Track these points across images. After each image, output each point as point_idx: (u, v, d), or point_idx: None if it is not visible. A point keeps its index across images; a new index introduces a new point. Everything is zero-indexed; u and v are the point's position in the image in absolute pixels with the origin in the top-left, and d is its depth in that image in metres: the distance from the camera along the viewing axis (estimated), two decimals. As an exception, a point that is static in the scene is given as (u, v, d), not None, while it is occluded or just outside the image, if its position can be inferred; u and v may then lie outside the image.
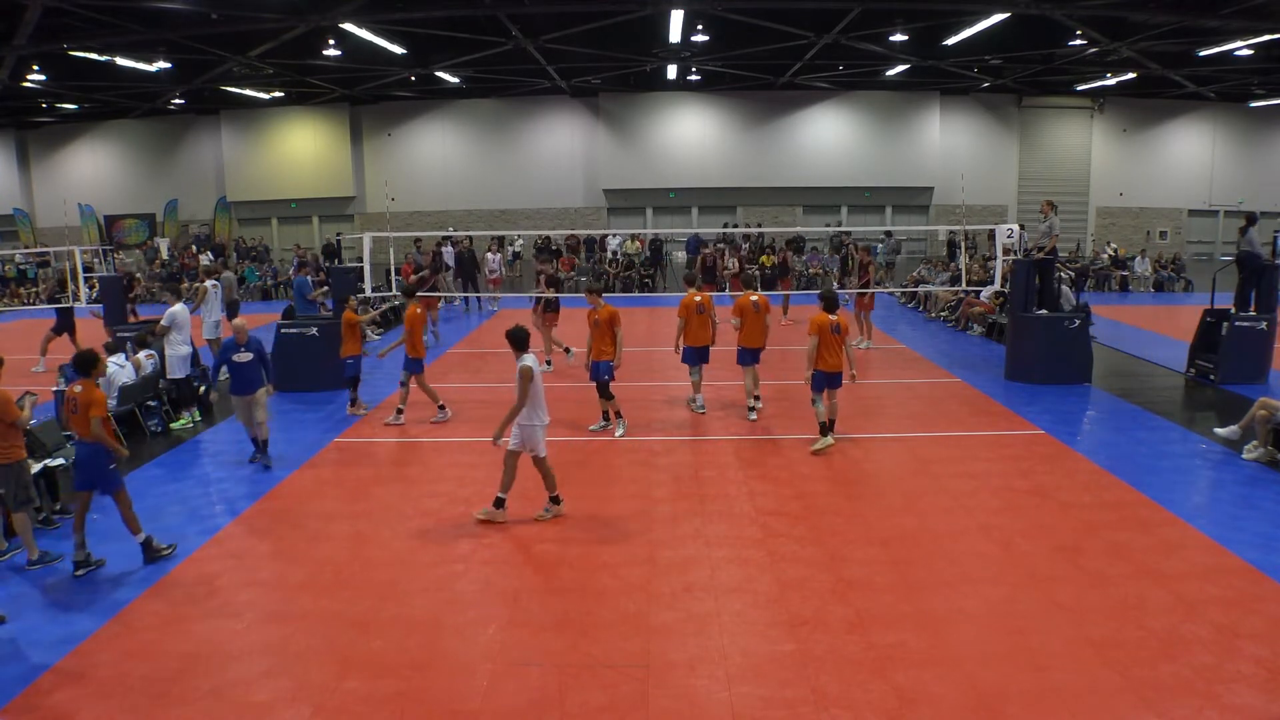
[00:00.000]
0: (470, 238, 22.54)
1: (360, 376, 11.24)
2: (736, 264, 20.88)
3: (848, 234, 24.20)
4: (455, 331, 16.55)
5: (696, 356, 10.88)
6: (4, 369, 7.04)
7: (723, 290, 19.50)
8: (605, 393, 10.05)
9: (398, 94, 30.83)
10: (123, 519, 6.81)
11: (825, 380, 9.37)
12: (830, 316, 9.23)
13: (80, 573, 6.63)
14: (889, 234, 25.42)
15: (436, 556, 6.90)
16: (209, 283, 14.24)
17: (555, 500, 7.61)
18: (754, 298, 10.65)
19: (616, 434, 10.02)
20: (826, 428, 9.47)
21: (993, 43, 23.08)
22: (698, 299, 10.69)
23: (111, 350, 10.47)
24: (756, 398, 10.93)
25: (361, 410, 11.23)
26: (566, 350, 13.80)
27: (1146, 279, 25.26)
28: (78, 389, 6.74)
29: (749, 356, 10.71)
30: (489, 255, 20.17)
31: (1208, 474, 8.78)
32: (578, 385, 12.35)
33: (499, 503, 7.47)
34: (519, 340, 7.43)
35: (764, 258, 23.01)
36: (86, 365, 6.94)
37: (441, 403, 10.80)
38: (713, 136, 31.74)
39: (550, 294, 13.88)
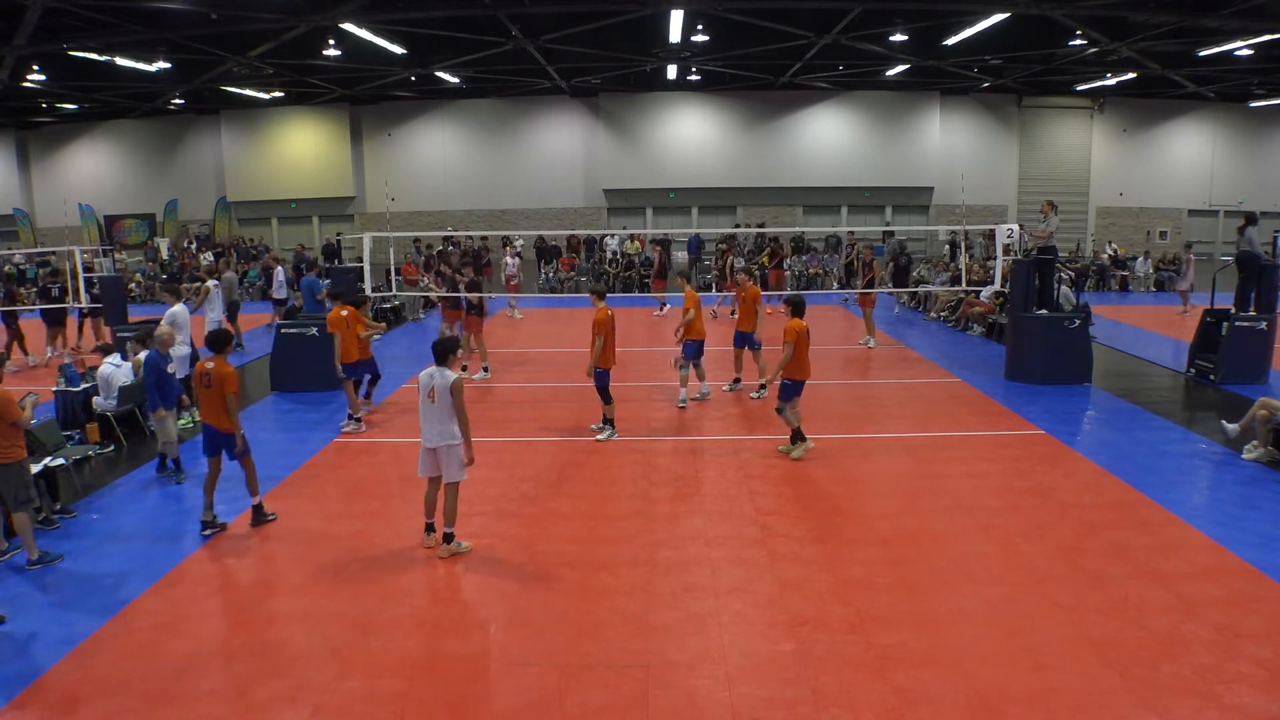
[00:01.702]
0: (471, 237, 22.48)
1: (360, 378, 11.21)
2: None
3: (852, 232, 24.16)
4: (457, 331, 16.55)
5: (696, 350, 11.20)
6: (4, 368, 7.05)
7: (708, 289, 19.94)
8: (601, 396, 10.02)
9: (398, 94, 30.84)
10: (246, 481, 7.56)
11: (799, 389, 9.07)
12: (804, 321, 9.00)
13: (207, 533, 7.36)
14: (892, 234, 25.43)
15: (436, 556, 6.89)
16: (210, 283, 14.28)
17: (428, 529, 7.07)
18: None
19: (598, 437, 9.97)
20: (800, 433, 9.22)
21: (993, 43, 23.09)
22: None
23: (108, 350, 10.45)
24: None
25: (360, 411, 11.21)
26: (484, 368, 13.27)
27: (1147, 279, 25.26)
28: (210, 365, 7.27)
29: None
30: (507, 260, 19.94)
31: (1208, 474, 8.78)
32: (572, 386, 12.35)
33: (447, 537, 6.93)
34: (438, 352, 6.90)
35: (762, 257, 23.02)
36: (221, 342, 7.47)
37: (359, 415, 10.64)
38: (713, 136, 31.74)
39: (474, 298, 13.36)
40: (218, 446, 7.42)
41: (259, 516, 7.57)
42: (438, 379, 6.77)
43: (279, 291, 18.25)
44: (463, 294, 13.51)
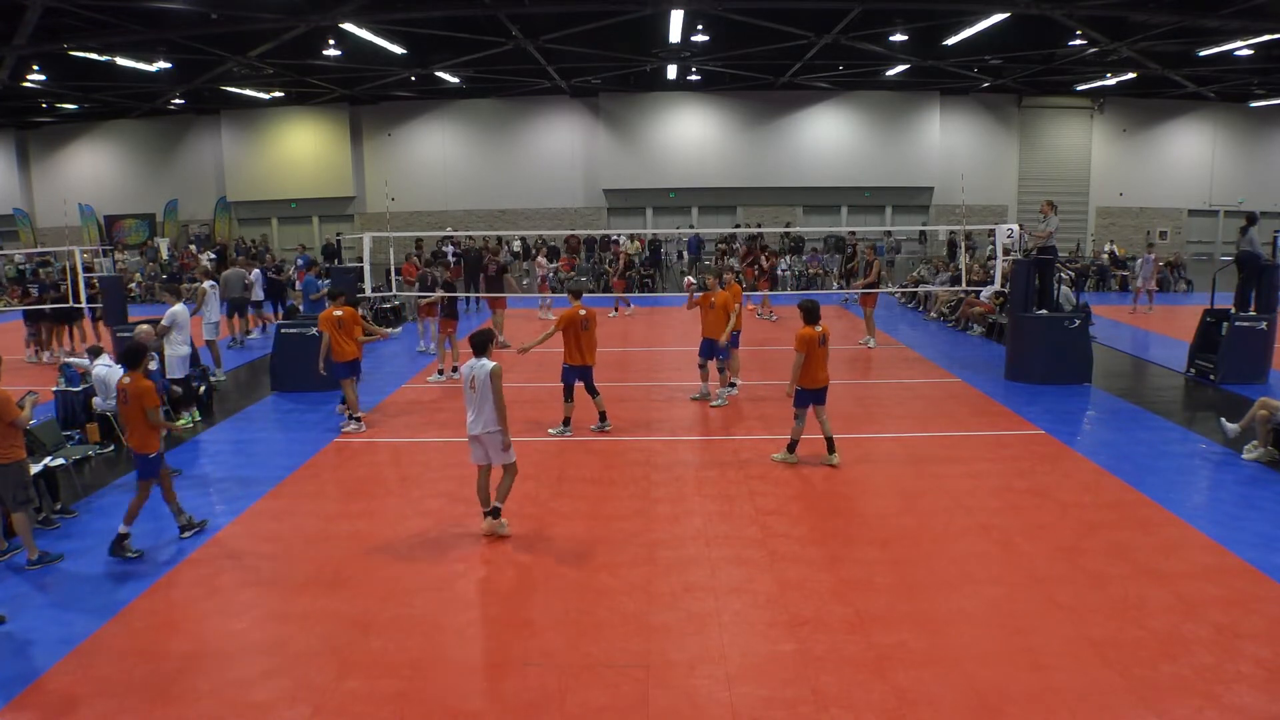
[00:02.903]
0: (471, 237, 22.47)
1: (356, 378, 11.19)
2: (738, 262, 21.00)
3: (853, 233, 24.21)
4: (459, 332, 16.52)
5: (713, 349, 11.41)
6: (3, 367, 7.06)
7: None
8: (564, 394, 10.08)
9: (398, 94, 30.84)
10: (131, 503, 7.06)
11: (812, 397, 8.87)
12: (815, 329, 8.62)
13: (186, 534, 7.32)
14: (922, 233, 25.40)
15: (436, 556, 6.90)
16: (207, 284, 14.27)
17: (488, 514, 7.26)
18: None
19: (550, 431, 10.07)
20: (795, 444, 9.03)
21: (993, 43, 23.09)
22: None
23: (97, 353, 10.43)
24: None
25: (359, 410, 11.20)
26: (455, 369, 13.04)
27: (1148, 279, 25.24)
28: (126, 380, 7.07)
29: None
30: (541, 260, 19.81)
31: (1208, 474, 8.78)
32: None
33: (495, 511, 7.23)
34: (475, 345, 7.08)
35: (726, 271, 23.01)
36: (133, 357, 7.21)
37: (359, 415, 10.60)
38: (713, 136, 31.74)
39: (446, 299, 13.31)
40: (145, 470, 7.10)
41: (118, 548, 6.92)
42: (477, 368, 6.98)
43: (259, 294, 18.11)
44: (438, 294, 13.57)
